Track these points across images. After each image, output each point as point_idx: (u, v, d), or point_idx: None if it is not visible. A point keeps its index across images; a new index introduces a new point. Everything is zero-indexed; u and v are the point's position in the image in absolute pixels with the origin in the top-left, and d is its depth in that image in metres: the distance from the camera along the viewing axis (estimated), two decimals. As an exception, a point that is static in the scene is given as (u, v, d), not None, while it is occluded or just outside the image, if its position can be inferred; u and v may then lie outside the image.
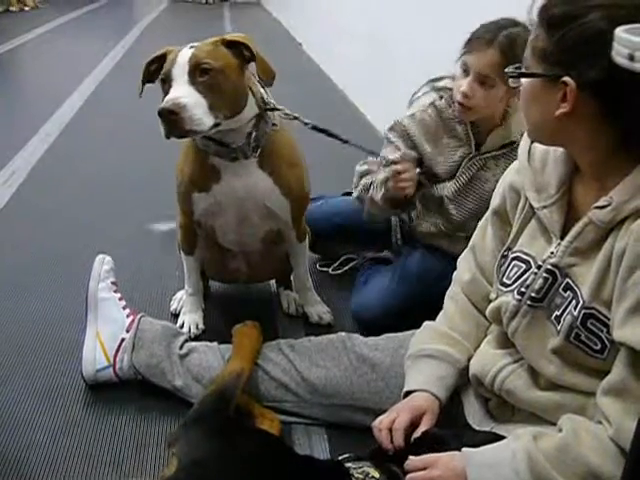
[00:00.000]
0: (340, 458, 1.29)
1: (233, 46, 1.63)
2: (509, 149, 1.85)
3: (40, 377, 1.83)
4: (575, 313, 1.11)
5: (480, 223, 1.42)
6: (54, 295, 2.24)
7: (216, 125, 1.60)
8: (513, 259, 1.25)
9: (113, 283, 1.83)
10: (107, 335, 1.76)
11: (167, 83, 1.59)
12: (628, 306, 1.03)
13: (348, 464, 1.23)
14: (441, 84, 1.95)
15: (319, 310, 2.06)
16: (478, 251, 1.40)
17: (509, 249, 1.28)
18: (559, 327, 1.14)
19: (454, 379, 1.36)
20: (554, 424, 1.14)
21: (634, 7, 1.02)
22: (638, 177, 1.05)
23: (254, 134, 1.71)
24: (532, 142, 1.24)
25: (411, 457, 1.17)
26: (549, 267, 1.17)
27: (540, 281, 1.18)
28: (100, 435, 1.63)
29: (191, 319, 2.01)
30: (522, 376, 1.23)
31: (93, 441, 1.61)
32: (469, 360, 1.36)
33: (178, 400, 1.70)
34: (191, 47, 1.62)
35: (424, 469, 1.14)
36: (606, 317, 1.09)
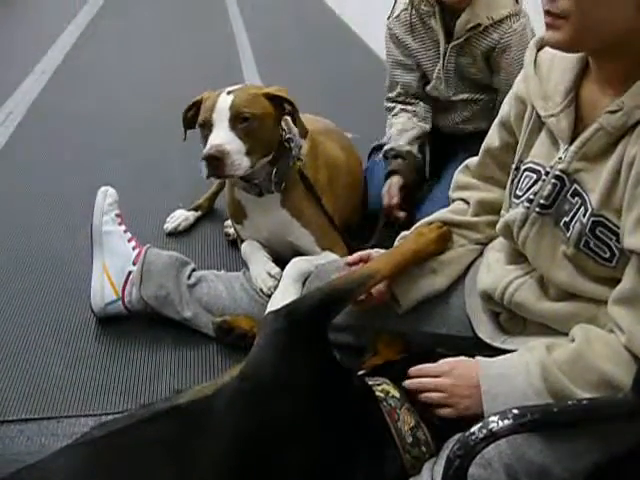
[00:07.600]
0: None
1: (274, 99, 1.71)
2: (475, 32, 2.00)
3: (49, 312, 1.85)
4: (584, 220, 1.10)
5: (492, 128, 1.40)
6: (57, 233, 2.23)
7: (251, 167, 1.67)
8: (525, 170, 1.23)
9: (117, 215, 1.80)
10: (114, 269, 1.75)
11: (207, 127, 1.66)
12: (638, 214, 1.01)
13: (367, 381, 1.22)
14: None
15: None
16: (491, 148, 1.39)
17: (521, 161, 1.25)
18: (568, 234, 1.13)
19: None
20: (566, 334, 1.13)
21: None
22: None
23: (275, 169, 1.73)
24: (538, 50, 1.20)
25: (426, 365, 1.18)
26: (557, 173, 1.14)
27: (549, 187, 1.15)
28: (113, 367, 1.65)
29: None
30: (532, 287, 1.22)
31: (106, 372, 1.64)
32: None
33: (189, 330, 1.72)
34: (229, 93, 1.68)
35: (437, 376, 1.16)
36: (615, 225, 1.07)
